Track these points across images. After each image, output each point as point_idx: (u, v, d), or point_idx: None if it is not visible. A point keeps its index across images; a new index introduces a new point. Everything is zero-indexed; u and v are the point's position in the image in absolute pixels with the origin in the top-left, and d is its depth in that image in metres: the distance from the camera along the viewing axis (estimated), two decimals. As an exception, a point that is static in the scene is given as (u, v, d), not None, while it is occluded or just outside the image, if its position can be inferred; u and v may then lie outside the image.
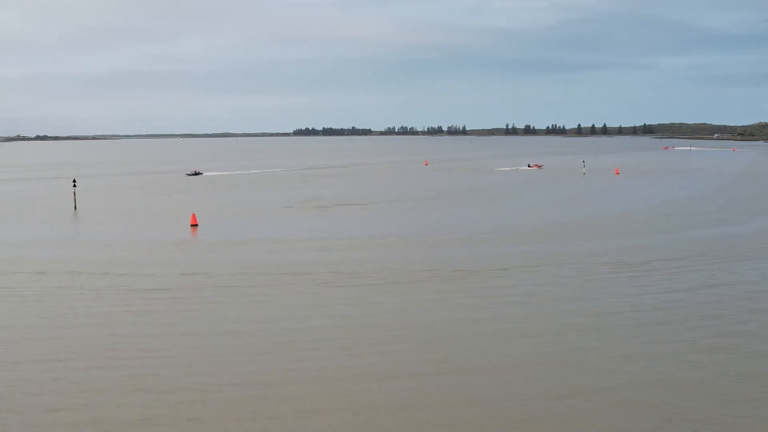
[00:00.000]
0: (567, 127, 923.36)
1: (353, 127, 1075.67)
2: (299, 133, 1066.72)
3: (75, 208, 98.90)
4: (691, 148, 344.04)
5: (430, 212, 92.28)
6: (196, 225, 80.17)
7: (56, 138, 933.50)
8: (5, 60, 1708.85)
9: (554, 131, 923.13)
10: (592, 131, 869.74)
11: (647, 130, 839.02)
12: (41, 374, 31.78)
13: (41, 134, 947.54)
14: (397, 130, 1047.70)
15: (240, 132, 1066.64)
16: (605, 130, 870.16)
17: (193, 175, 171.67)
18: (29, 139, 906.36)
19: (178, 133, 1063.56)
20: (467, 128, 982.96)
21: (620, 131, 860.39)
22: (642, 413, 26.79)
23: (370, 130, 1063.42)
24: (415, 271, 53.44)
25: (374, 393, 29.37)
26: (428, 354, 34.17)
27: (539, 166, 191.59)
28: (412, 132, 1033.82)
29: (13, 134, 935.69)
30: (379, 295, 45.93)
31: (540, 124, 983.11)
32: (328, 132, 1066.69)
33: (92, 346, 35.87)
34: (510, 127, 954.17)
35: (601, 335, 36.68)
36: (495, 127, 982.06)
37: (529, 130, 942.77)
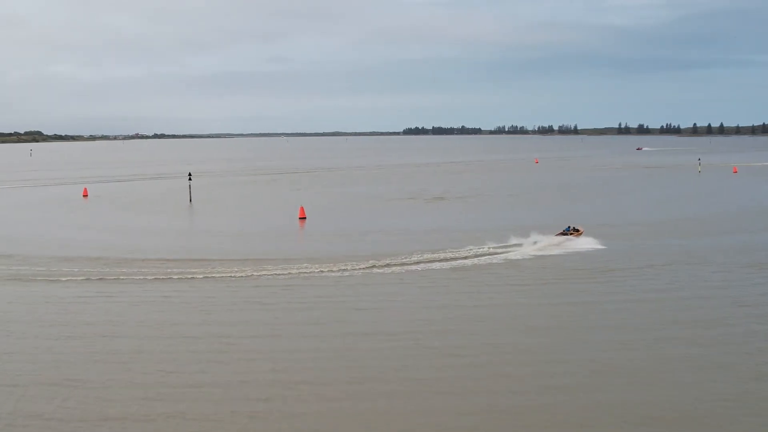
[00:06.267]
0: (682, 127, 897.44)
1: (463, 126, 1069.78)
2: (409, 132, 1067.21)
3: (190, 200, 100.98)
4: None
5: (545, 207, 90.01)
6: (304, 218, 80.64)
7: (173, 136, 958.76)
8: (124, 61, 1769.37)
9: (668, 131, 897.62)
10: (708, 131, 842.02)
11: (767, 129, 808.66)
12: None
13: (158, 132, 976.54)
14: (507, 130, 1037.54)
15: (350, 131, 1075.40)
16: (722, 130, 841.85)
17: None
18: (147, 137, 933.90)
19: (290, 132, 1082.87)
20: (578, 127, 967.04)
21: (738, 131, 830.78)
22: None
23: (479, 129, 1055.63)
24: (535, 267, 51.66)
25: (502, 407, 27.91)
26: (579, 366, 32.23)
27: None
28: (522, 131, 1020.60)
29: (132, 132, 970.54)
30: (513, 295, 43.12)
31: (654, 123, 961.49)
32: (438, 131, 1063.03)
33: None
34: (623, 126, 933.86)
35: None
36: (607, 126, 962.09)
37: (642, 129, 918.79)
